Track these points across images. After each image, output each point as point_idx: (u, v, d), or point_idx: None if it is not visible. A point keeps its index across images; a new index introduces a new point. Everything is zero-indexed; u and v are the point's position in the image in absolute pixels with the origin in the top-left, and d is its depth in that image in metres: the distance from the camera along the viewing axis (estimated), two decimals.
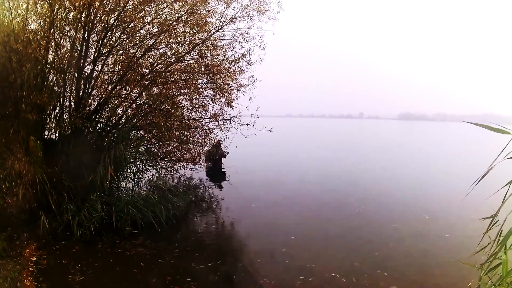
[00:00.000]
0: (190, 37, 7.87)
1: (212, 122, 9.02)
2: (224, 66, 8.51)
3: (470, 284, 4.08)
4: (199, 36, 7.96)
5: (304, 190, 10.79)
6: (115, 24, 7.15)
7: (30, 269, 4.65)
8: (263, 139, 11.65)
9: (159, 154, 9.02)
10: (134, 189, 7.48)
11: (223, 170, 14.06)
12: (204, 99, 8.89)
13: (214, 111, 8.90)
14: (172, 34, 7.65)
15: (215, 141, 10.97)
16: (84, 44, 7.04)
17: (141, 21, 7.43)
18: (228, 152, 13.53)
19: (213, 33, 8.17)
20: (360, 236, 6.85)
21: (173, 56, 7.95)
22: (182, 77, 8.27)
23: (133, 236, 6.24)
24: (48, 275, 4.58)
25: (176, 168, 9.58)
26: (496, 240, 2.61)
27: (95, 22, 6.99)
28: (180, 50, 7.96)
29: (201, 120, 9.03)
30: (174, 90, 8.33)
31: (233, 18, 8.20)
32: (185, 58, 8.14)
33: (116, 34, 7.40)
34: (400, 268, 5.46)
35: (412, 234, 7.05)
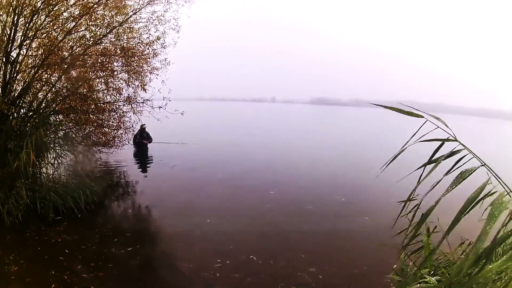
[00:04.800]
0: (109, 20, 7.98)
1: (126, 105, 9.15)
2: (139, 49, 8.69)
3: (395, 266, 3.99)
4: (117, 19, 8.11)
5: (218, 173, 11.22)
6: (41, 7, 7.08)
7: None
8: (176, 123, 11.94)
9: (76, 139, 8.99)
10: (55, 174, 7.55)
11: (149, 155, 14.18)
12: (119, 82, 9.02)
13: (128, 94, 9.08)
14: (92, 17, 7.74)
15: (140, 125, 11.23)
16: (13, 28, 6.93)
17: (65, 4, 7.42)
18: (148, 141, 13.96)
19: (131, 16, 8.31)
20: (274, 218, 7.14)
21: (92, 39, 8.00)
22: (99, 60, 8.29)
23: (57, 222, 6.39)
24: None
25: (92, 152, 9.60)
26: (415, 223, 2.34)
27: (24, 5, 6.89)
28: (98, 32, 8.04)
29: (115, 103, 9.14)
30: (91, 73, 8.38)
31: (150, 1, 8.37)
32: (103, 40, 8.22)
33: (42, 17, 7.32)
34: (318, 250, 5.68)
35: (328, 217, 7.31)
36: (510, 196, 1.82)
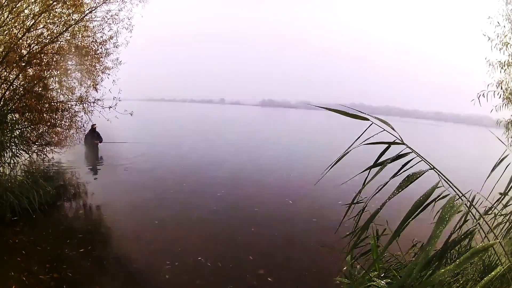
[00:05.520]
0: (66, 18, 8.08)
1: (78, 104, 9.21)
2: (92, 48, 8.87)
3: (344, 269, 3.92)
4: (73, 17, 8.21)
5: (166, 175, 11.41)
6: (5, 3, 7.16)
7: None
8: (127, 123, 12.23)
9: (31, 138, 8.97)
10: (11, 174, 7.58)
11: (99, 155, 14.22)
12: (72, 81, 9.11)
13: (80, 93, 9.18)
14: (51, 15, 7.85)
15: (91, 125, 11.26)
16: None
17: (27, 1, 7.52)
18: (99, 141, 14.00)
19: (87, 14, 8.46)
20: (221, 220, 7.28)
21: (48, 37, 8.09)
22: (54, 59, 8.34)
23: (14, 223, 6.53)
24: None
25: (46, 152, 9.54)
26: (361, 225, 2.18)
27: None
28: (55, 31, 8.14)
29: (68, 102, 9.20)
30: (45, 72, 8.41)
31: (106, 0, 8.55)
32: (59, 39, 8.31)
33: (5, 14, 7.37)
34: (266, 252, 5.76)
35: (276, 219, 7.44)
36: (461, 200, 1.78)
